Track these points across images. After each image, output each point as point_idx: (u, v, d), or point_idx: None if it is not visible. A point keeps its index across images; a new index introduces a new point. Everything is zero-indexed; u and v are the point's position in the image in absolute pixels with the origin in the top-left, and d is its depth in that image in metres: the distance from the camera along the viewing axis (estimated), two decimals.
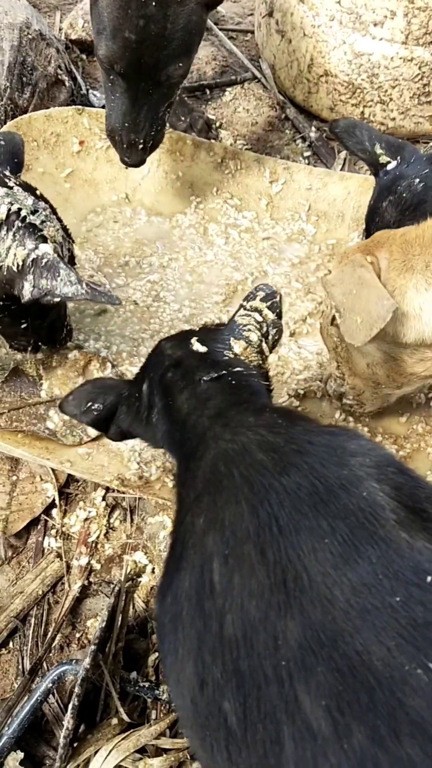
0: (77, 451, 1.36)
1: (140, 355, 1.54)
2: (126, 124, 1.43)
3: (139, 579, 1.28)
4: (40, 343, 1.37)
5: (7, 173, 1.16)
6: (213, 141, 1.85)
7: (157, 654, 1.14)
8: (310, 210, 1.80)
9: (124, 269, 1.70)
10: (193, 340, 1.02)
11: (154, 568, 1.29)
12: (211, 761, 0.71)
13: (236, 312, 1.08)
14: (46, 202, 1.21)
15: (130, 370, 1.51)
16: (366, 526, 0.71)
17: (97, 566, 1.29)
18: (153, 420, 0.99)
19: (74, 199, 1.79)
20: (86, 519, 1.34)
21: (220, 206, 1.82)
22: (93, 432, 1.39)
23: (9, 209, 1.08)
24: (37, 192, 1.21)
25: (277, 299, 1.09)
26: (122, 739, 1.02)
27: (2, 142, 1.20)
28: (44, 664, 1.19)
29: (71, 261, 1.22)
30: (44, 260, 1.06)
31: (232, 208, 1.82)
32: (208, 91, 2.19)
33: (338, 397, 1.43)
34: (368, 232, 1.42)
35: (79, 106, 1.80)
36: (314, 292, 1.68)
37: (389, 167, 1.40)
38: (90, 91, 2.11)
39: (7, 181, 1.14)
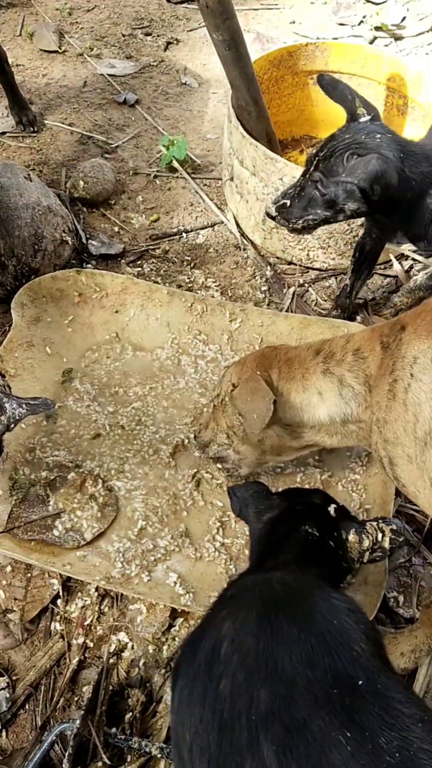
0: (76, 554, 1.79)
1: (125, 471, 1.98)
2: None
3: (122, 654, 1.70)
4: None
5: None
6: (184, 291, 2.32)
7: (131, 714, 1.55)
8: (262, 342, 2.25)
9: (114, 398, 2.15)
10: (331, 506, 1.46)
11: (133, 645, 1.70)
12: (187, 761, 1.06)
13: (370, 520, 1.48)
14: None
15: (117, 485, 1.95)
16: (331, 642, 1.06)
17: (91, 644, 1.70)
18: (263, 519, 1.45)
19: (75, 340, 2.26)
20: (83, 606, 1.76)
21: (191, 341, 2.27)
22: (88, 536, 1.82)
23: None
24: None
25: (401, 539, 1.51)
26: None
27: None
28: (51, 721, 1.60)
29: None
30: None
31: (200, 342, 2.27)
32: (184, 235, 2.67)
33: (216, 460, 1.92)
34: (321, 150, 1.88)
35: (78, 268, 2.29)
36: None
37: (362, 119, 1.89)
38: (89, 241, 2.61)
39: None
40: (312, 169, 1.89)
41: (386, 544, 1.44)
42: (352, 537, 1.42)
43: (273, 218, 1.98)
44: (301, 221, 1.95)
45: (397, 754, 0.91)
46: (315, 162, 1.88)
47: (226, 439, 1.83)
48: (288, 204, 1.94)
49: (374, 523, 1.46)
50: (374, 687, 1.01)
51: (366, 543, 1.43)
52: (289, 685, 1.01)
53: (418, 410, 1.42)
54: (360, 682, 1.01)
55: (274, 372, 1.68)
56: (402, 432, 1.45)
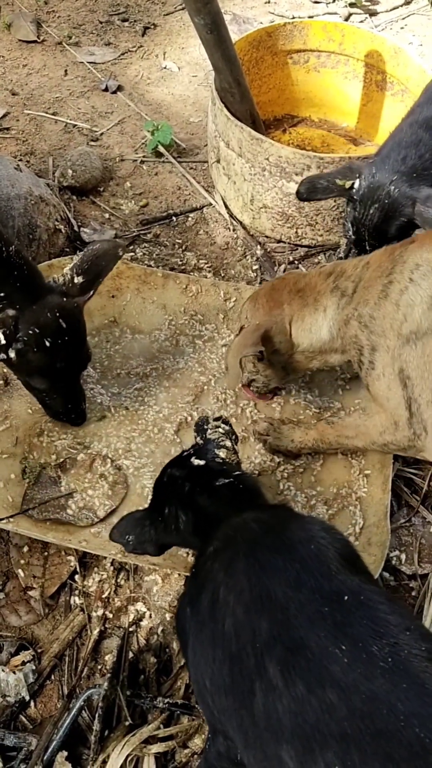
0: (90, 531, 1.85)
1: (132, 450, 2.04)
2: None
3: (141, 622, 1.77)
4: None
5: None
6: (178, 273, 2.37)
7: (152, 677, 1.63)
8: None
9: (117, 380, 2.21)
10: (192, 458, 1.48)
11: (151, 614, 1.77)
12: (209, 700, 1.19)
13: (205, 432, 1.57)
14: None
15: (125, 463, 2.01)
16: (312, 565, 1.17)
17: (110, 615, 1.77)
18: (181, 527, 1.42)
19: None
20: (100, 580, 1.83)
21: (188, 322, 2.33)
22: (101, 513, 1.89)
23: None
24: None
25: (225, 417, 1.62)
26: (132, 736, 1.51)
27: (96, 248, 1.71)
28: (77, 690, 1.67)
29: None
30: None
31: (197, 323, 2.33)
32: (174, 218, 2.72)
33: (249, 383, 2.01)
34: (357, 235, 2.02)
35: (73, 256, 2.32)
36: None
37: (356, 185, 1.99)
38: (81, 229, 2.64)
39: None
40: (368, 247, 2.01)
41: (228, 427, 1.58)
42: (223, 454, 1.49)
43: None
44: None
45: (389, 659, 1.00)
46: (367, 242, 2.01)
47: (252, 367, 1.92)
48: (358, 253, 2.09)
49: (211, 433, 1.55)
50: (359, 600, 1.10)
51: (228, 443, 1.52)
52: (284, 610, 1.11)
53: (408, 311, 1.57)
54: (345, 597, 1.10)
55: (286, 306, 1.78)
56: (388, 328, 1.61)
